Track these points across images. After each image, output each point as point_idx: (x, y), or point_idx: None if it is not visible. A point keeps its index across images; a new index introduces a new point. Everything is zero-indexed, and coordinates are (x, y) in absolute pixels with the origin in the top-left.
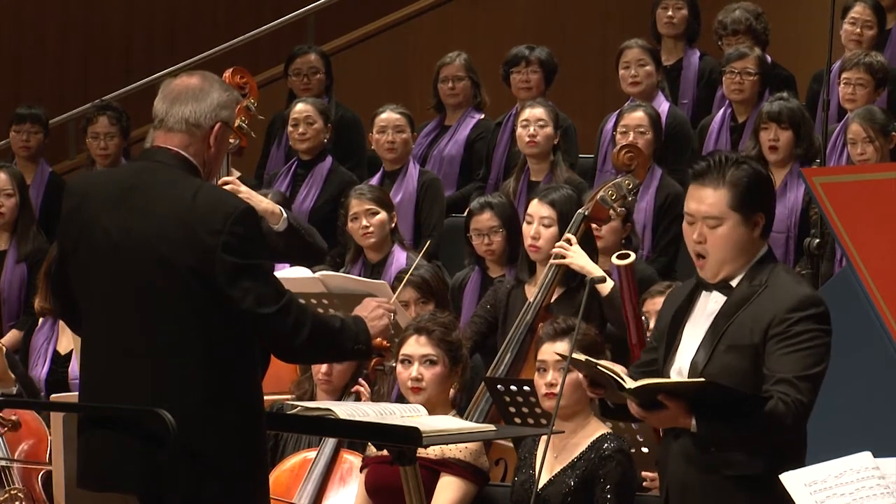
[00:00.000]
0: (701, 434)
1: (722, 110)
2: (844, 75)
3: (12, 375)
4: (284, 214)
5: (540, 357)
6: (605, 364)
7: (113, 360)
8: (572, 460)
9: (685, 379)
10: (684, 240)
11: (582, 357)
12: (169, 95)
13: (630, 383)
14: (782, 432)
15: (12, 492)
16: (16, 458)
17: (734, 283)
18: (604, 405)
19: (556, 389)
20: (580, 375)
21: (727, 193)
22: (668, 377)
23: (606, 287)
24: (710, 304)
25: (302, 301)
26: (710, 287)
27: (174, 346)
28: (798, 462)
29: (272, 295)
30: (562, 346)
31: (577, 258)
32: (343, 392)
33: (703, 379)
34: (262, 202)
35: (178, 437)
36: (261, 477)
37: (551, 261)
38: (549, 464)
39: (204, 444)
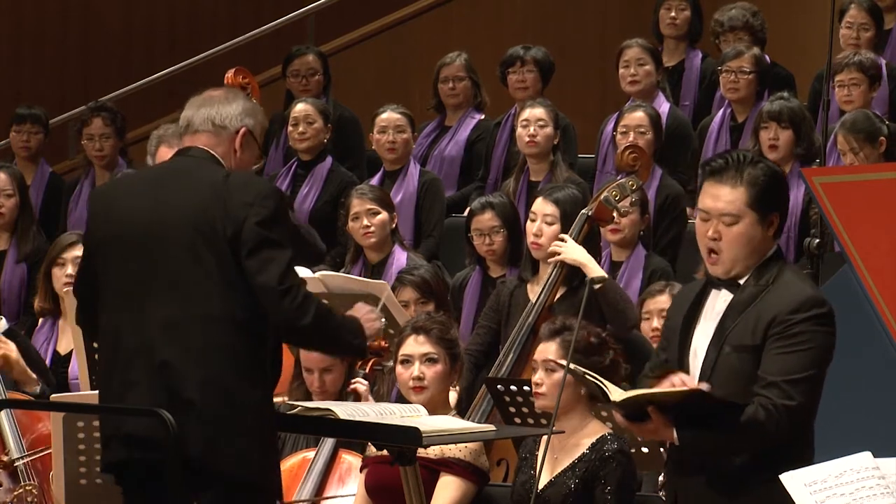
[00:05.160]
0: (684, 445)
1: (722, 110)
2: (838, 78)
3: (33, 375)
4: None
5: (535, 356)
6: (594, 375)
7: (144, 329)
8: (573, 461)
9: (670, 389)
10: (684, 239)
11: (572, 365)
12: (195, 103)
13: (616, 395)
14: (765, 439)
15: (27, 487)
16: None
17: (742, 281)
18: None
19: (542, 389)
20: (568, 375)
21: (745, 192)
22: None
23: (598, 277)
24: (718, 303)
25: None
26: (719, 285)
27: (205, 313)
28: (805, 462)
29: (285, 273)
30: (553, 346)
31: (570, 252)
32: (339, 397)
33: (687, 388)
34: None
35: (202, 406)
36: (273, 447)
37: (548, 259)
38: (550, 464)
39: (224, 416)
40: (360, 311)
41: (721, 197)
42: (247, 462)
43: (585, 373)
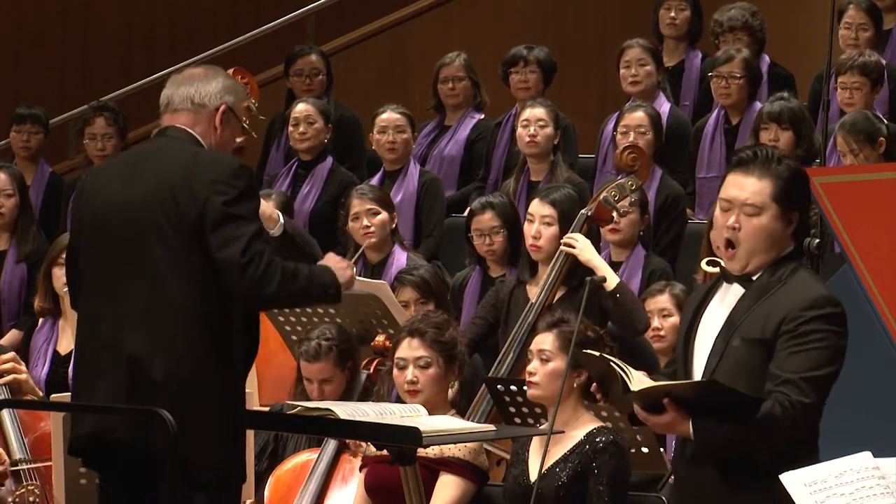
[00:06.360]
0: (698, 438)
1: (715, 113)
2: (840, 79)
3: (40, 392)
4: (281, 220)
5: (530, 347)
6: (617, 361)
7: (112, 318)
8: (565, 453)
9: (687, 380)
10: (684, 239)
11: (595, 353)
12: (176, 81)
13: (636, 384)
14: (779, 435)
15: (29, 487)
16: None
17: (756, 277)
18: (632, 416)
19: (535, 378)
20: (561, 367)
21: (771, 184)
22: (692, 373)
23: (611, 282)
24: (728, 296)
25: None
26: (732, 279)
27: (171, 301)
28: (810, 460)
29: (247, 246)
30: (550, 338)
31: (586, 251)
32: None
33: (704, 379)
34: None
35: (171, 393)
36: (239, 437)
37: (561, 247)
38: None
39: (189, 402)
40: (333, 259)
41: (746, 187)
42: (210, 449)
43: (610, 359)
